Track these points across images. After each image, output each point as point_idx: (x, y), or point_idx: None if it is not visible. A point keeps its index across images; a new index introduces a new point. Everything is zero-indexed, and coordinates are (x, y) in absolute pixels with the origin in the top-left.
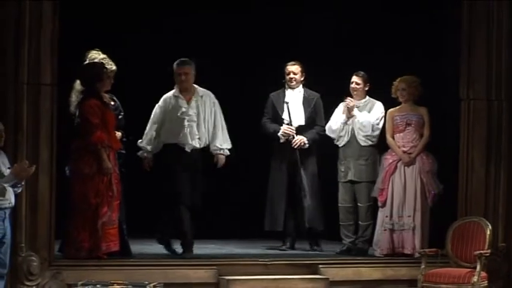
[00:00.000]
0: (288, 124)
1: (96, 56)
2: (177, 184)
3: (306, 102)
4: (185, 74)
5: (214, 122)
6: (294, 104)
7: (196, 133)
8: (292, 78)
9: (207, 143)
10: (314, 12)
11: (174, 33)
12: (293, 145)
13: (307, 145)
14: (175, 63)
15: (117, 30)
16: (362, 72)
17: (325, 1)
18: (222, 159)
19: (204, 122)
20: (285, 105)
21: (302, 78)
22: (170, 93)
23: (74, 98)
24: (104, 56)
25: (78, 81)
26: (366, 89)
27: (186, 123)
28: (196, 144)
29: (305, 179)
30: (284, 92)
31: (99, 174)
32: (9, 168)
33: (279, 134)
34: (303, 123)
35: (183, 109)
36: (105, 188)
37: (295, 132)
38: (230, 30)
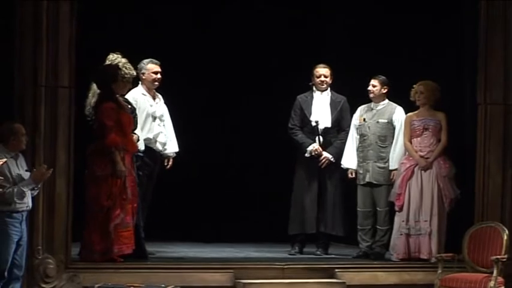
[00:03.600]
0: (315, 125)
1: (118, 59)
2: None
3: (333, 104)
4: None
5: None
6: (322, 107)
7: None
8: (323, 81)
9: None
10: (338, 14)
11: (190, 33)
12: (320, 165)
13: (333, 160)
14: (148, 61)
15: (135, 31)
16: (381, 76)
17: (347, 5)
18: None
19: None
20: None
21: (331, 82)
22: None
23: (92, 99)
24: (125, 60)
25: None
26: (384, 91)
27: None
28: None
29: (328, 185)
30: (312, 94)
31: (112, 176)
32: (27, 170)
33: (307, 149)
34: (329, 125)
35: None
36: (118, 191)
37: (322, 151)
38: (251, 33)
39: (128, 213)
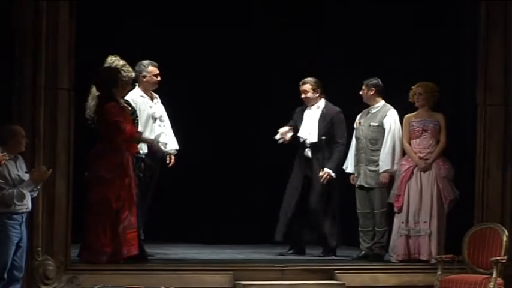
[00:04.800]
0: (303, 142)
1: (116, 62)
2: None
3: (322, 118)
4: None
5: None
6: (310, 121)
7: None
8: (305, 97)
9: None
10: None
11: (191, 34)
12: (322, 181)
13: (334, 175)
14: (148, 63)
15: (135, 33)
16: (370, 80)
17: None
18: None
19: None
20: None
21: (316, 95)
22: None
23: (92, 102)
24: (124, 62)
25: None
26: (371, 93)
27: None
28: None
29: (318, 190)
30: (304, 108)
31: (120, 178)
32: (26, 172)
33: (276, 137)
34: (315, 140)
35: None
36: (126, 193)
37: (285, 133)
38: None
39: (133, 214)
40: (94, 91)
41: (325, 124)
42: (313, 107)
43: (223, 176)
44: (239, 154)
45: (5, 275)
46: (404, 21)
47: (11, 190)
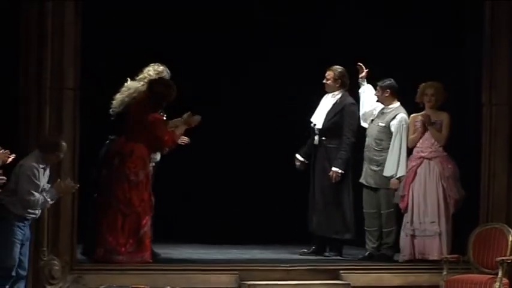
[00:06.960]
0: (313, 125)
1: (165, 73)
2: None
3: (333, 107)
4: None
5: None
6: (323, 108)
7: None
8: (326, 83)
9: None
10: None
11: (200, 34)
12: (332, 180)
13: (341, 172)
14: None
15: (143, 32)
16: (384, 81)
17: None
18: None
19: None
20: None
21: (336, 85)
22: None
23: (125, 98)
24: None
25: (132, 84)
26: (386, 95)
27: None
28: None
29: (320, 185)
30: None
31: (144, 182)
32: (48, 182)
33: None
34: (320, 127)
35: None
36: (148, 196)
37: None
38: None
39: (150, 219)
40: (130, 85)
41: (335, 113)
42: (330, 95)
43: (229, 175)
44: (246, 153)
45: (13, 273)
46: (407, 20)
47: (38, 196)
